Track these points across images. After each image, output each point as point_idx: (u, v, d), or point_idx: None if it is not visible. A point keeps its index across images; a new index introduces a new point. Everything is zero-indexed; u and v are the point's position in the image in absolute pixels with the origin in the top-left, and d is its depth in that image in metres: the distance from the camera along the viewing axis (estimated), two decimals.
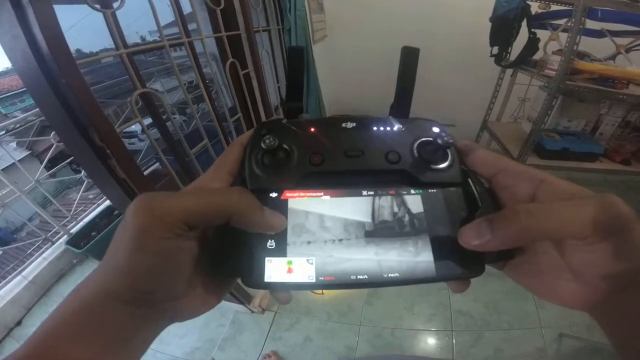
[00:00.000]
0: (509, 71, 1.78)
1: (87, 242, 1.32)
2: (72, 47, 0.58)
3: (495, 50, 1.63)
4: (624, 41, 1.38)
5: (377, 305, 1.60)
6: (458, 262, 0.22)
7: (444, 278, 0.22)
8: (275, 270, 0.21)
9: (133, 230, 0.18)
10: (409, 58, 0.27)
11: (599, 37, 1.36)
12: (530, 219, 0.17)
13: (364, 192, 0.24)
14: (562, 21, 1.36)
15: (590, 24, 1.26)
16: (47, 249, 0.97)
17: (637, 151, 1.51)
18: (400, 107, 0.28)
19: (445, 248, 0.22)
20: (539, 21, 1.47)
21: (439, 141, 0.23)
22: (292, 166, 0.24)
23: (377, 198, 0.24)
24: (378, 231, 0.23)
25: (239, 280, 0.22)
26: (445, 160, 0.25)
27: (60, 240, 1.00)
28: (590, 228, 0.17)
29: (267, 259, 0.22)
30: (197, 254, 0.21)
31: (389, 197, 0.24)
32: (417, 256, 0.22)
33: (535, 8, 1.47)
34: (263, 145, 0.23)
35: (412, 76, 0.27)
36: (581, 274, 0.19)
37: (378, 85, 2.28)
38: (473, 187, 0.24)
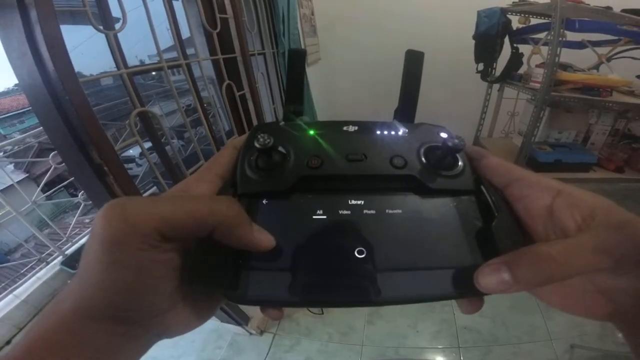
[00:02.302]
0: (496, 86, 1.83)
1: None
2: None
3: (481, 66, 1.69)
4: (604, 50, 1.43)
5: (379, 324, 1.56)
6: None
7: (460, 294, 0.19)
8: (262, 283, 0.19)
9: (103, 241, 0.16)
10: (413, 61, 0.26)
11: (581, 48, 1.42)
12: (554, 266, 0.16)
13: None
14: (542, 35, 1.42)
15: (571, 37, 1.31)
16: (41, 269, 0.96)
17: (629, 158, 1.53)
18: (405, 111, 0.27)
19: (460, 262, 0.20)
20: (520, 36, 1.54)
21: (450, 143, 0.22)
22: (287, 169, 0.22)
23: None
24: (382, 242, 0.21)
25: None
26: (455, 166, 0.23)
27: (55, 261, 0.99)
28: (619, 263, 0.16)
29: (254, 269, 0.20)
30: (179, 267, 0.19)
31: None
32: (429, 270, 0.20)
33: (515, 23, 1.53)
34: (257, 145, 0.21)
35: (417, 80, 0.26)
36: (607, 292, 0.18)
37: (372, 105, 2.34)
38: (487, 195, 0.22)
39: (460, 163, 0.23)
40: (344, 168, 0.23)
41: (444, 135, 0.25)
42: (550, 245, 0.18)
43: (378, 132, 0.25)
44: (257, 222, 0.21)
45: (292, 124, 0.26)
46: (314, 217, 0.22)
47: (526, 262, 0.17)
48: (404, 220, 0.22)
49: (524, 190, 0.21)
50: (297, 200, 0.22)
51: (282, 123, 0.26)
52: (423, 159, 0.23)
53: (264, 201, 0.22)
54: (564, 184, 0.20)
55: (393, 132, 0.25)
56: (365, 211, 0.22)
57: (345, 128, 0.25)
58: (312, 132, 0.25)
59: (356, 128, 0.25)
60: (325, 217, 0.22)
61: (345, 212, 0.22)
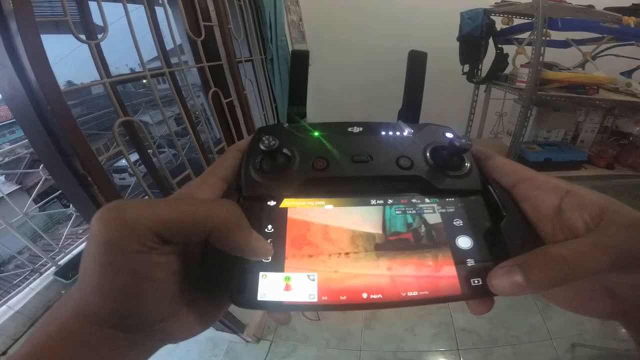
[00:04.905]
0: (483, 87, 1.84)
1: (76, 273, 1.29)
2: (64, 78, 0.61)
3: (467, 68, 1.69)
4: (589, 49, 1.44)
5: (377, 328, 1.55)
6: (484, 278, 0.19)
7: (470, 296, 0.19)
8: (270, 287, 0.19)
9: (100, 244, 0.15)
10: (416, 62, 0.26)
11: (565, 47, 1.43)
12: (567, 267, 0.16)
13: (373, 201, 0.22)
14: (526, 35, 1.43)
15: (555, 35, 1.32)
16: (34, 279, 0.96)
17: (619, 155, 1.54)
18: (409, 112, 0.27)
19: (469, 262, 0.20)
20: (504, 37, 1.54)
21: (456, 143, 0.22)
22: (292, 171, 0.22)
23: (387, 207, 0.22)
24: (390, 244, 0.21)
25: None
26: (462, 166, 0.23)
27: (48, 272, 0.99)
28: (630, 262, 0.16)
29: (261, 273, 0.19)
30: (180, 270, 0.18)
31: (401, 207, 0.22)
32: (438, 272, 0.19)
33: (499, 24, 1.54)
34: (262, 147, 0.21)
35: (421, 80, 0.26)
36: (615, 291, 0.18)
37: (364, 109, 2.36)
38: (495, 195, 0.22)
39: (467, 163, 0.23)
40: (350, 169, 0.23)
41: (449, 135, 0.25)
42: (562, 246, 0.17)
43: (383, 133, 0.25)
44: (262, 225, 0.21)
45: (296, 126, 0.25)
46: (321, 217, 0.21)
47: (539, 264, 0.17)
48: (411, 221, 0.21)
49: (531, 190, 0.21)
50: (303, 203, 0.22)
51: (286, 125, 0.26)
52: (429, 159, 0.23)
53: (270, 203, 0.22)
54: (572, 184, 0.20)
55: (398, 133, 0.25)
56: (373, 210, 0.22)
57: (350, 129, 0.25)
58: (316, 134, 0.25)
59: (361, 129, 0.25)
60: (332, 218, 0.21)
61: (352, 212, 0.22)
